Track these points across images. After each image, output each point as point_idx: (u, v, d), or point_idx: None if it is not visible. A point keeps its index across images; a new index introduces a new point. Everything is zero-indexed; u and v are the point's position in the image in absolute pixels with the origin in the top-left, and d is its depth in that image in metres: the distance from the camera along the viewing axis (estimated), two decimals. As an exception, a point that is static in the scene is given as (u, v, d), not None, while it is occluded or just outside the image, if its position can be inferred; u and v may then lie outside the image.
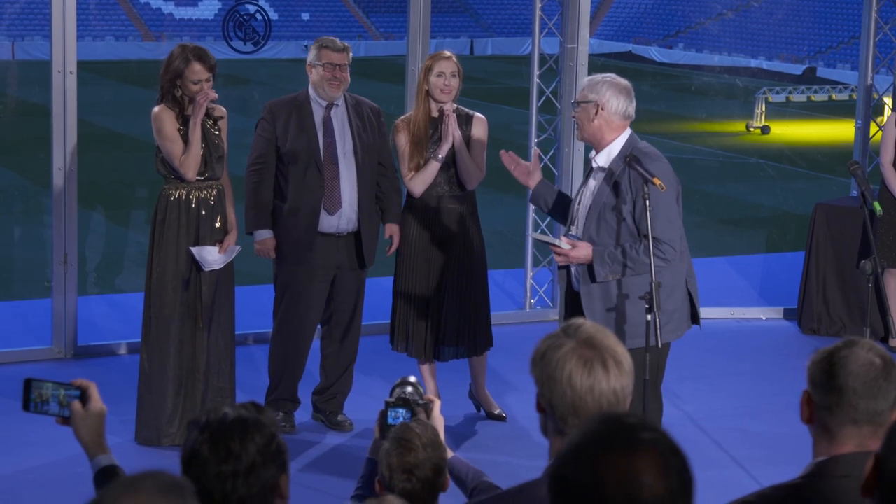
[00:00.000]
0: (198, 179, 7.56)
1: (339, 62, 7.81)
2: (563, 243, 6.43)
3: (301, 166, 7.82)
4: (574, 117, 6.58)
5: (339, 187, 7.82)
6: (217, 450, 2.96)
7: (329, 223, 7.85)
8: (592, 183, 6.53)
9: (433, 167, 7.91)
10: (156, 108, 7.55)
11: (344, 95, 7.93)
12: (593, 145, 6.53)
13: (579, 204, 6.55)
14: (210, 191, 7.61)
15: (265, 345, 8.47)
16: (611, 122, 6.45)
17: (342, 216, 7.85)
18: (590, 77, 6.61)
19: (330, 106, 7.89)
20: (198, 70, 7.44)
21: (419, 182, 7.95)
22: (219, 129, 7.66)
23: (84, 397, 3.59)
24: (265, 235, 7.87)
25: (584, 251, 6.39)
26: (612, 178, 6.41)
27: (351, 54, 7.94)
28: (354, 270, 8.00)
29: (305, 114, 7.87)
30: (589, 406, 3.10)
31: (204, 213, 7.58)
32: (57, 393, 3.58)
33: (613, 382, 3.12)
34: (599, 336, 3.18)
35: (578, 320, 3.26)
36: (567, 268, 6.62)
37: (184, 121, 7.52)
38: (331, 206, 7.82)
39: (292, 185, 7.83)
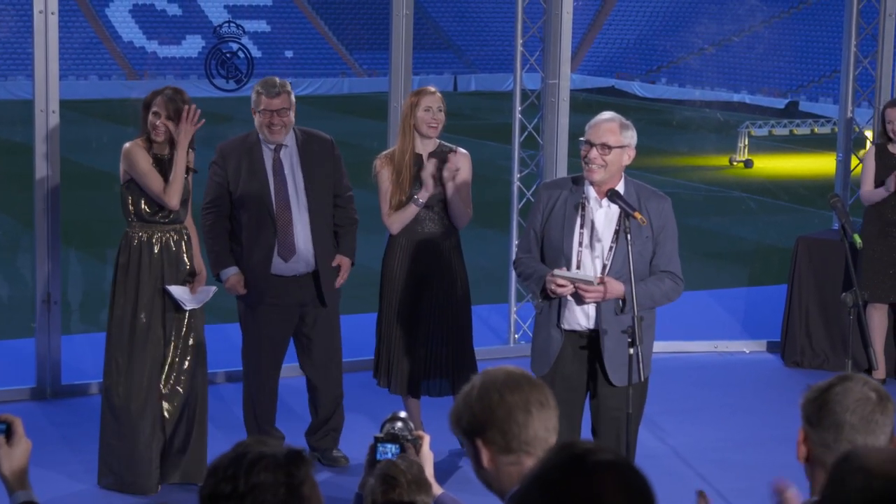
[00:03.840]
0: (161, 221, 7.48)
1: (275, 108, 7.63)
2: (591, 278, 6.22)
3: (253, 212, 7.73)
4: (600, 160, 6.29)
5: (292, 233, 7.74)
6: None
7: (285, 268, 7.79)
8: (594, 223, 6.37)
9: (412, 211, 7.86)
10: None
11: (294, 131, 7.81)
12: (600, 186, 6.36)
13: (581, 246, 6.38)
14: (172, 234, 7.51)
15: (237, 383, 8.40)
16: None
17: (298, 260, 7.78)
18: (613, 118, 6.37)
19: (279, 148, 7.76)
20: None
21: (397, 222, 7.91)
22: (187, 172, 7.50)
23: (9, 432, 3.56)
24: (231, 273, 7.81)
25: (617, 285, 6.27)
26: (623, 216, 6.27)
27: (292, 96, 7.73)
28: (318, 308, 7.95)
29: (256, 157, 7.74)
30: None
31: (166, 256, 7.48)
32: None
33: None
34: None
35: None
36: (558, 307, 6.41)
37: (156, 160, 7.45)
38: (285, 253, 7.75)
39: (245, 231, 7.76)
